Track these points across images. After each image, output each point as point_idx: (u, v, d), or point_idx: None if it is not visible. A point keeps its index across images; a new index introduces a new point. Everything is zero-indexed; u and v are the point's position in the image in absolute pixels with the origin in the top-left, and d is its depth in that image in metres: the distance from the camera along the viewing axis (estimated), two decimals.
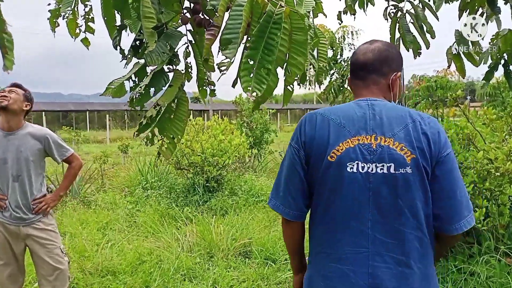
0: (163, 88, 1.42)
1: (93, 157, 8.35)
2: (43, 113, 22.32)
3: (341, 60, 6.01)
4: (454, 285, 2.85)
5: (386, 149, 1.19)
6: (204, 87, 1.59)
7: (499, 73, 3.21)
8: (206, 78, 1.57)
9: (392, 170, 1.18)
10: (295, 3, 1.26)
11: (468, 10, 2.70)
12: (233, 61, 1.01)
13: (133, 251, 3.92)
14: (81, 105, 30.47)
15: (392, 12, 2.96)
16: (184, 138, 6.03)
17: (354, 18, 3.25)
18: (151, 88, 1.40)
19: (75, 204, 5.73)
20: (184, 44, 1.47)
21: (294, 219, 1.34)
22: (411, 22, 2.84)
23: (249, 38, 1.08)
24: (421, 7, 2.80)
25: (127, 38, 1.49)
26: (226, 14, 1.09)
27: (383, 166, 1.19)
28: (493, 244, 2.98)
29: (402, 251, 1.19)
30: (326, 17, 1.76)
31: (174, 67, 1.46)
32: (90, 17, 1.71)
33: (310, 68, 1.70)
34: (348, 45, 7.17)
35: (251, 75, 0.99)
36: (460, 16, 2.73)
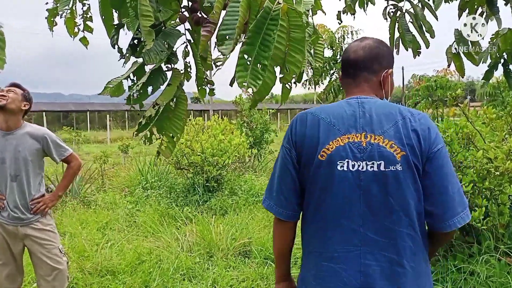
0: (161, 86, 1.42)
1: (93, 157, 8.35)
2: (44, 113, 22.36)
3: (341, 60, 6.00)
4: (453, 284, 2.84)
5: (376, 146, 1.18)
6: (203, 87, 1.59)
7: (499, 72, 3.21)
8: (205, 77, 1.56)
9: (382, 168, 1.17)
10: (294, 1, 1.26)
11: (467, 10, 2.70)
12: (228, 57, 1.01)
13: (133, 251, 3.92)
14: (81, 105, 30.50)
15: (392, 11, 2.95)
16: (184, 138, 6.03)
17: (354, 17, 3.25)
18: (149, 87, 1.40)
19: (75, 204, 5.73)
20: (183, 43, 1.47)
21: (287, 218, 1.33)
22: (411, 22, 2.83)
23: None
24: (420, 6, 2.79)
25: (125, 37, 1.49)
26: (223, 12, 1.08)
27: (373, 164, 1.18)
28: (493, 244, 2.97)
29: (394, 249, 1.18)
30: (325, 14, 1.75)
31: (172, 65, 1.45)
32: (88, 16, 1.71)
33: (309, 67, 1.69)
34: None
35: (247, 70, 0.99)
36: (459, 16, 2.73)
